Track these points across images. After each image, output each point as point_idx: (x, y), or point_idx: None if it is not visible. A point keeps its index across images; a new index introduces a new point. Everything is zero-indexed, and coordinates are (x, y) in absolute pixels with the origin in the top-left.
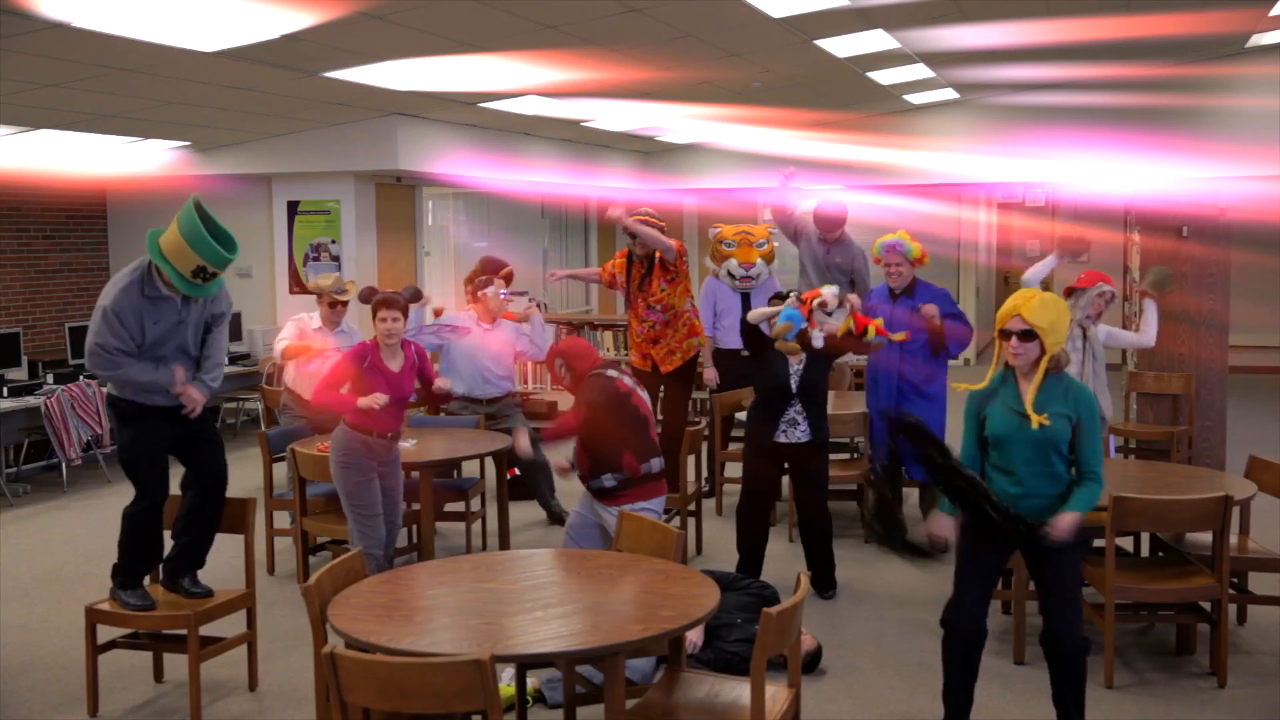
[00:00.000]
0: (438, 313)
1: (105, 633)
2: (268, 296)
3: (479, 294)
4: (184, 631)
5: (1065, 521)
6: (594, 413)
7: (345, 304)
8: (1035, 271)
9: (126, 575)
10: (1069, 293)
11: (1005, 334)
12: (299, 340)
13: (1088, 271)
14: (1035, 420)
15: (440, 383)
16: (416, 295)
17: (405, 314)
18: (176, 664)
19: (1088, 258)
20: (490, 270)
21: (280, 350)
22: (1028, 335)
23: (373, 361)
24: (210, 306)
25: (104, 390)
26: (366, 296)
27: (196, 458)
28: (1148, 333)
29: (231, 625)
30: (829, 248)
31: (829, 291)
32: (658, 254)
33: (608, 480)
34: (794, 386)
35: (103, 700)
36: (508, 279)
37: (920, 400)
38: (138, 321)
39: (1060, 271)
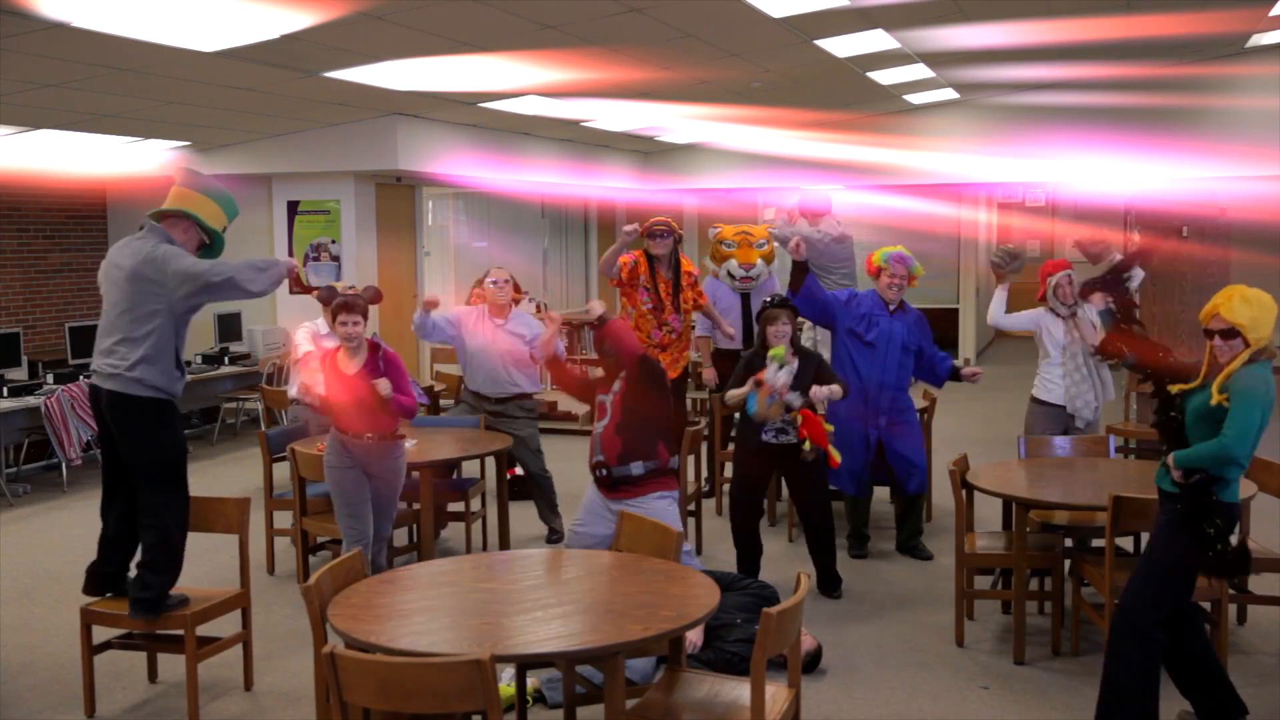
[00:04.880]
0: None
1: (101, 633)
2: (267, 296)
3: (476, 291)
4: (179, 632)
5: (1169, 460)
6: (649, 392)
7: None
8: (994, 310)
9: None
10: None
11: (1209, 333)
12: (314, 347)
13: (1043, 265)
14: (1216, 398)
15: (380, 387)
16: (377, 296)
17: (365, 316)
18: (173, 664)
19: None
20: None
21: (298, 356)
22: (1229, 333)
23: (331, 363)
24: None
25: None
26: (326, 298)
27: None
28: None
29: (228, 625)
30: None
31: (772, 372)
32: (688, 265)
33: (636, 468)
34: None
35: (99, 700)
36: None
37: (903, 422)
38: None
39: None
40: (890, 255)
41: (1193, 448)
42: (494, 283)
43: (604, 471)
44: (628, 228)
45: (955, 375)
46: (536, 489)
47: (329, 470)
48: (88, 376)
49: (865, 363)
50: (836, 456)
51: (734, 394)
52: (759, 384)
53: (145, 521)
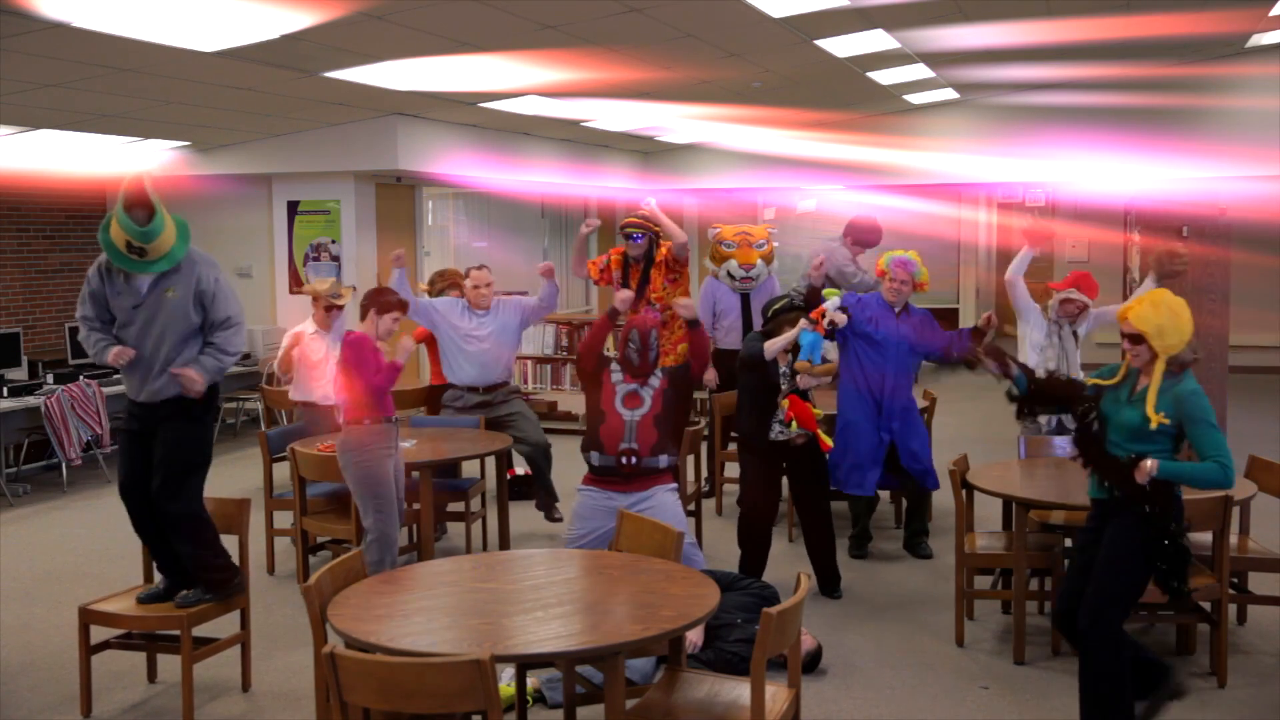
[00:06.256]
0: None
1: (100, 633)
2: (268, 296)
3: (463, 279)
4: (177, 632)
5: (1147, 463)
6: (689, 395)
7: (341, 308)
8: (1015, 266)
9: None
10: (1050, 289)
11: (1122, 334)
12: (290, 347)
13: (1071, 274)
14: (1154, 420)
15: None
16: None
17: None
18: (172, 664)
19: (1051, 249)
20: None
21: (277, 364)
22: (1136, 339)
23: (378, 352)
24: (198, 288)
25: (104, 391)
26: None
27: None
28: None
29: (228, 625)
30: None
31: (833, 305)
32: (661, 253)
33: (663, 460)
34: (784, 386)
35: (96, 701)
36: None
37: (911, 421)
38: (102, 292)
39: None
40: (893, 260)
41: (1188, 467)
42: (476, 287)
43: (633, 460)
44: (585, 226)
45: (978, 335)
46: (537, 462)
47: (377, 465)
48: (96, 377)
49: (874, 364)
50: (828, 441)
51: (775, 342)
52: (812, 321)
53: None
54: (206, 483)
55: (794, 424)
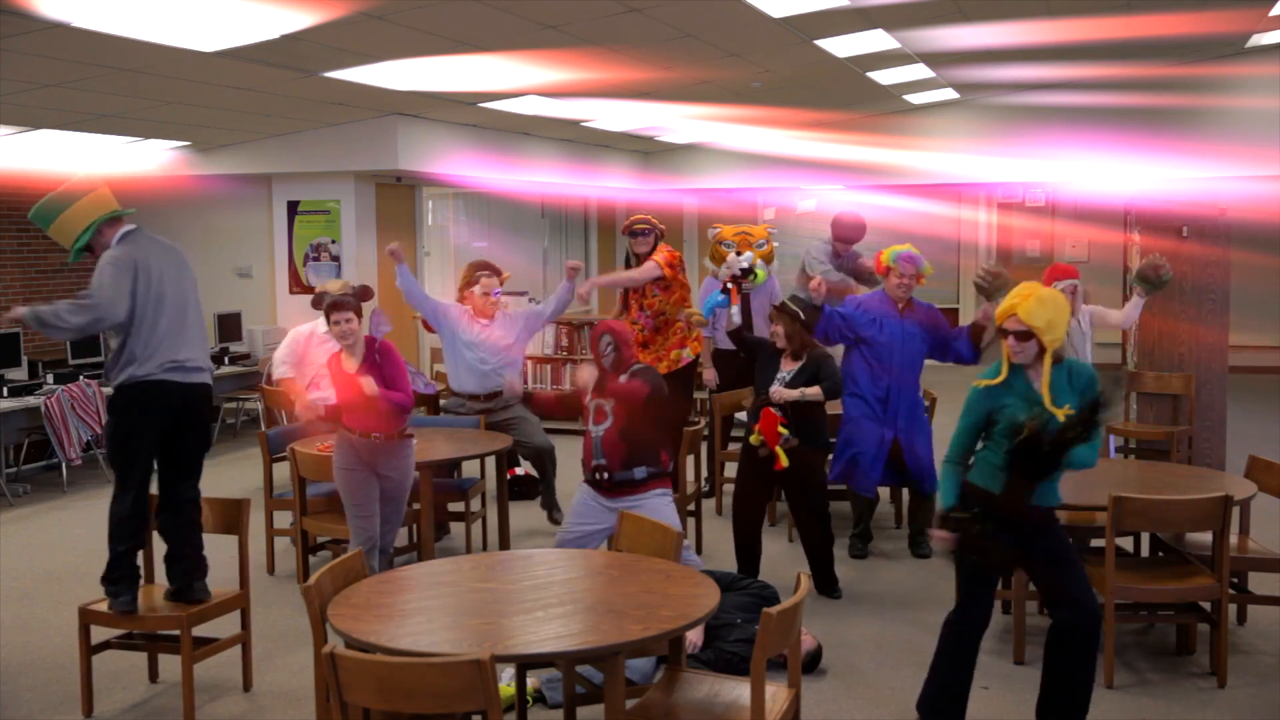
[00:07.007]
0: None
1: (100, 633)
2: (268, 296)
3: (466, 291)
4: (177, 632)
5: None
6: (652, 402)
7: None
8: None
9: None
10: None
11: (1003, 332)
12: (295, 359)
13: (1051, 266)
14: (1060, 414)
15: (365, 386)
16: (367, 293)
17: (358, 313)
18: (174, 664)
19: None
20: (480, 269)
21: (277, 377)
22: (1024, 335)
23: (335, 364)
24: None
25: (104, 390)
26: (317, 302)
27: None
28: (1129, 315)
29: (228, 625)
30: (843, 259)
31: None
32: (657, 255)
33: (639, 472)
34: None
35: (97, 700)
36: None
37: (918, 421)
38: None
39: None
40: (899, 255)
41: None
42: (494, 293)
43: (605, 475)
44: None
45: (976, 334)
46: (542, 464)
47: (338, 471)
48: (96, 376)
49: (880, 366)
50: (784, 460)
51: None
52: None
53: (195, 515)
54: (209, 481)
55: (756, 435)
